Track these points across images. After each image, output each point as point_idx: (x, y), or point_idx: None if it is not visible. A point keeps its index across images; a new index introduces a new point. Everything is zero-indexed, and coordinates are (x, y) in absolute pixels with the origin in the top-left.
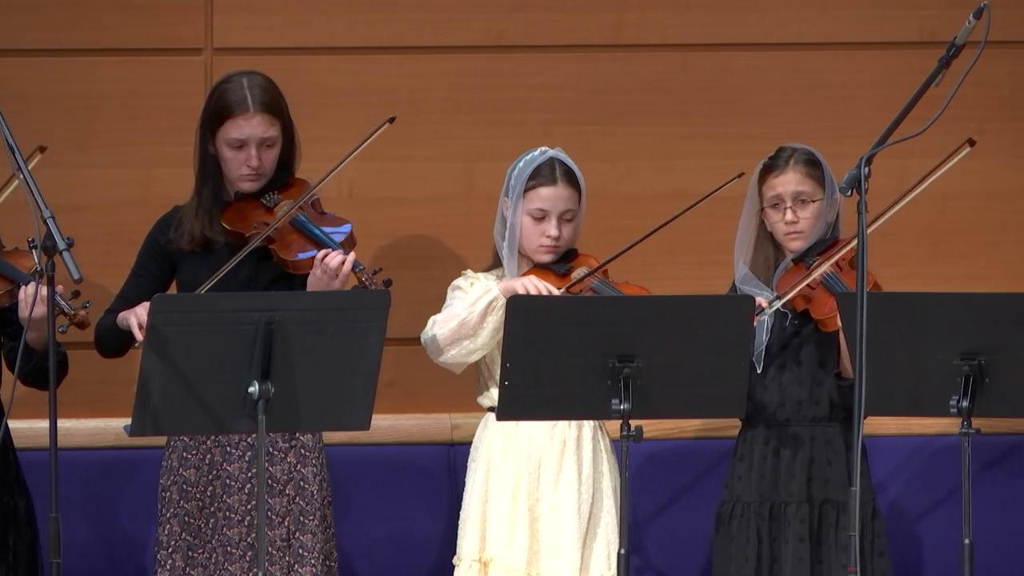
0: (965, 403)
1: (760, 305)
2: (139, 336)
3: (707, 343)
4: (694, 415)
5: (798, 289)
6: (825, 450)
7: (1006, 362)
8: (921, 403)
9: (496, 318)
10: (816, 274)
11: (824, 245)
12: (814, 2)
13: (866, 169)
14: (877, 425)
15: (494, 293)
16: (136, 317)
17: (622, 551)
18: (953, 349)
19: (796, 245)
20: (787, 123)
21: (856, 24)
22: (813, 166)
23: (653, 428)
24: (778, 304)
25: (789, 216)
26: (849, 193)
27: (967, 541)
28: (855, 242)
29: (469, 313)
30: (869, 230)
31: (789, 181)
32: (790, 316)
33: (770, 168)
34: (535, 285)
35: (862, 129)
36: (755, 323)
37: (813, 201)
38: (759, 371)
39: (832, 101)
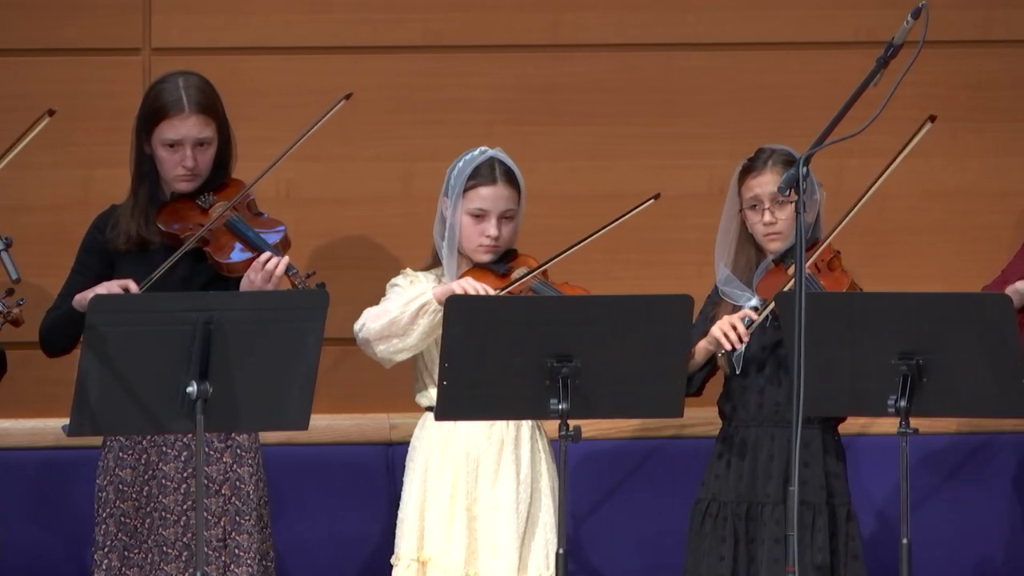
0: (903, 403)
1: (751, 317)
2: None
3: (645, 343)
4: (632, 415)
5: (775, 293)
6: (803, 452)
7: (944, 362)
8: (861, 403)
9: (427, 321)
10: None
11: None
12: (752, 2)
13: (804, 169)
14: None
15: (427, 297)
16: (106, 289)
17: (560, 551)
18: (891, 349)
19: (775, 246)
20: (727, 123)
21: (794, 24)
22: (791, 166)
23: (591, 428)
24: (766, 311)
25: (768, 217)
26: (788, 193)
27: (904, 541)
28: (827, 241)
29: (400, 313)
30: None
31: (767, 182)
32: (769, 318)
33: (749, 169)
34: (472, 286)
35: (802, 129)
36: (746, 339)
37: (791, 202)
38: (738, 372)
39: (771, 101)
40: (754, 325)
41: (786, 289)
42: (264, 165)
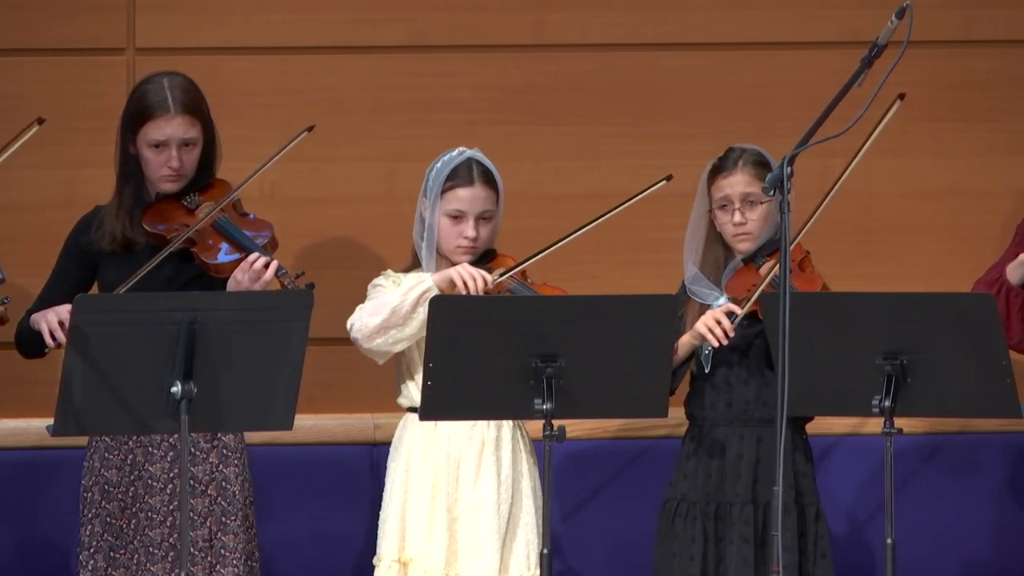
0: (887, 403)
1: (734, 312)
2: (49, 342)
3: (629, 343)
4: (616, 415)
5: (756, 295)
6: (772, 451)
7: (928, 362)
8: (844, 403)
9: (427, 309)
10: (769, 276)
11: (773, 246)
12: (736, 2)
13: (788, 169)
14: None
15: (428, 284)
16: (47, 323)
17: (544, 551)
18: (875, 349)
19: (745, 246)
20: (710, 123)
21: (778, 24)
22: (762, 167)
23: (574, 427)
24: (742, 315)
25: (737, 217)
26: (772, 193)
27: (889, 541)
28: (798, 238)
29: (401, 302)
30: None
31: (737, 182)
32: (738, 317)
33: (719, 169)
34: (470, 273)
35: (785, 129)
36: (732, 334)
37: (761, 202)
38: (707, 371)
39: (755, 101)
40: (737, 320)
41: (760, 289)
42: (247, 165)
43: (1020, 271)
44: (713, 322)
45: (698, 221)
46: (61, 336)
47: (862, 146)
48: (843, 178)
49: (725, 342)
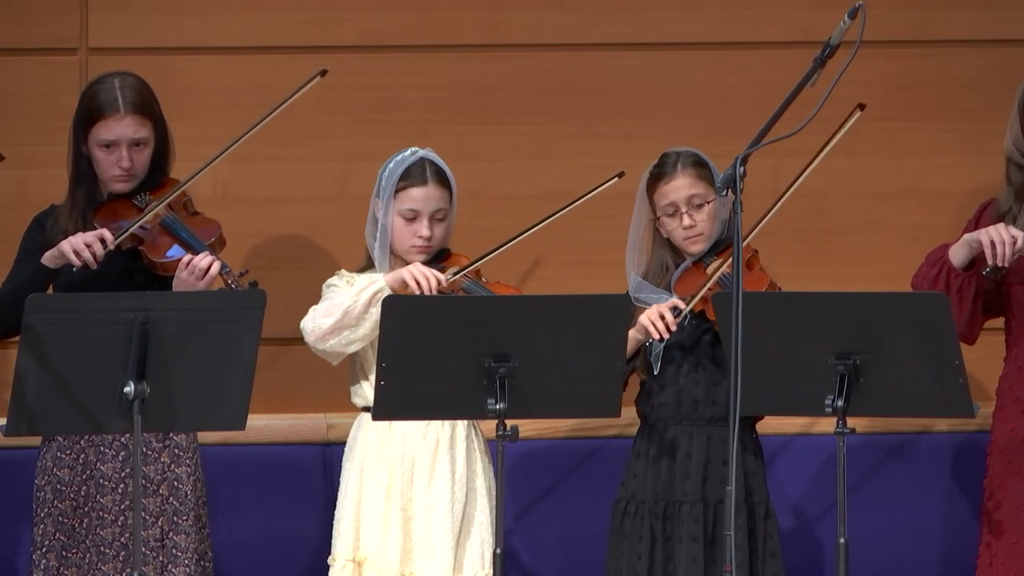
0: (840, 403)
1: (679, 307)
2: (76, 262)
3: (582, 343)
4: (569, 415)
5: (701, 294)
6: (722, 450)
7: (881, 362)
8: (797, 403)
9: (379, 310)
10: (716, 274)
11: (722, 246)
12: (688, 2)
13: (741, 169)
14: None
15: (380, 284)
16: (70, 244)
17: (497, 550)
18: (828, 349)
19: (697, 248)
20: (664, 123)
21: (731, 24)
22: (701, 167)
23: (527, 427)
24: (687, 311)
25: (687, 221)
26: (725, 193)
27: (842, 540)
28: (749, 236)
29: (354, 302)
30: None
31: (681, 186)
32: (688, 317)
33: (659, 176)
34: (422, 272)
35: (738, 129)
36: (674, 328)
37: (707, 202)
38: (656, 371)
39: (708, 101)
40: (683, 314)
41: (707, 287)
42: (201, 165)
43: (963, 252)
44: (656, 315)
45: (639, 231)
46: (88, 256)
47: (817, 154)
48: (797, 183)
49: (667, 336)
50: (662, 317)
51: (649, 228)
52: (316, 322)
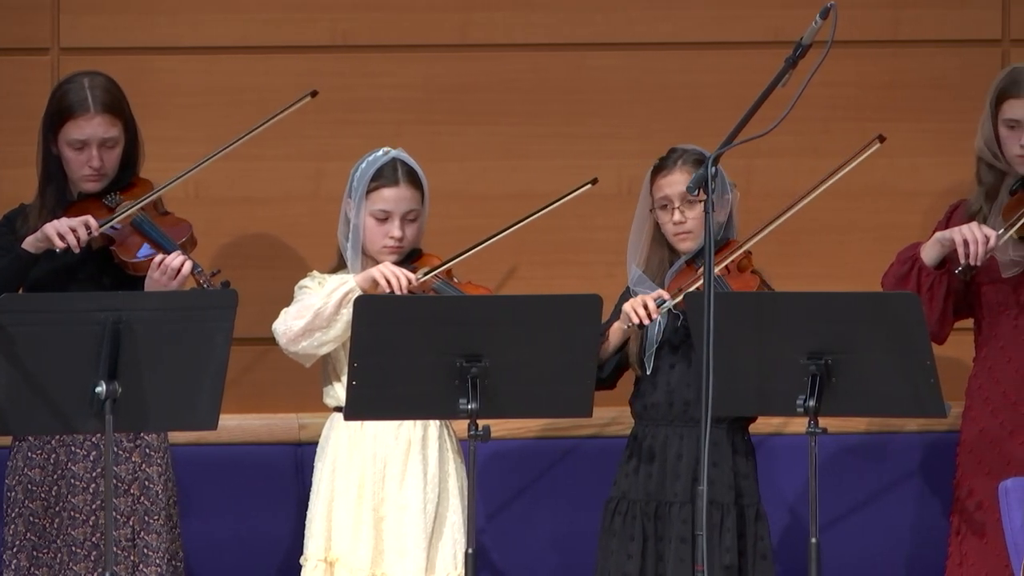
0: (812, 402)
1: (663, 297)
2: (59, 244)
3: (554, 343)
4: (541, 414)
5: (693, 288)
6: (711, 452)
7: (853, 361)
8: (770, 403)
9: (351, 311)
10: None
11: (716, 247)
12: (662, 2)
13: (713, 169)
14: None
15: (350, 285)
16: (54, 227)
17: (469, 550)
18: (800, 349)
19: (686, 245)
20: (636, 123)
21: (703, 24)
22: (701, 166)
23: (499, 427)
24: (671, 304)
25: (677, 216)
26: (696, 193)
27: (814, 540)
28: (747, 245)
29: (324, 304)
30: (772, 227)
31: (676, 182)
32: (681, 318)
33: (659, 169)
34: (392, 272)
35: (711, 129)
36: (656, 315)
37: (701, 201)
38: (648, 372)
39: (681, 101)
40: (666, 305)
41: (692, 289)
42: (174, 164)
43: (935, 250)
44: (639, 303)
45: (642, 222)
46: (73, 240)
47: (827, 178)
48: (802, 204)
49: (648, 322)
50: (645, 306)
51: (650, 220)
52: (288, 324)
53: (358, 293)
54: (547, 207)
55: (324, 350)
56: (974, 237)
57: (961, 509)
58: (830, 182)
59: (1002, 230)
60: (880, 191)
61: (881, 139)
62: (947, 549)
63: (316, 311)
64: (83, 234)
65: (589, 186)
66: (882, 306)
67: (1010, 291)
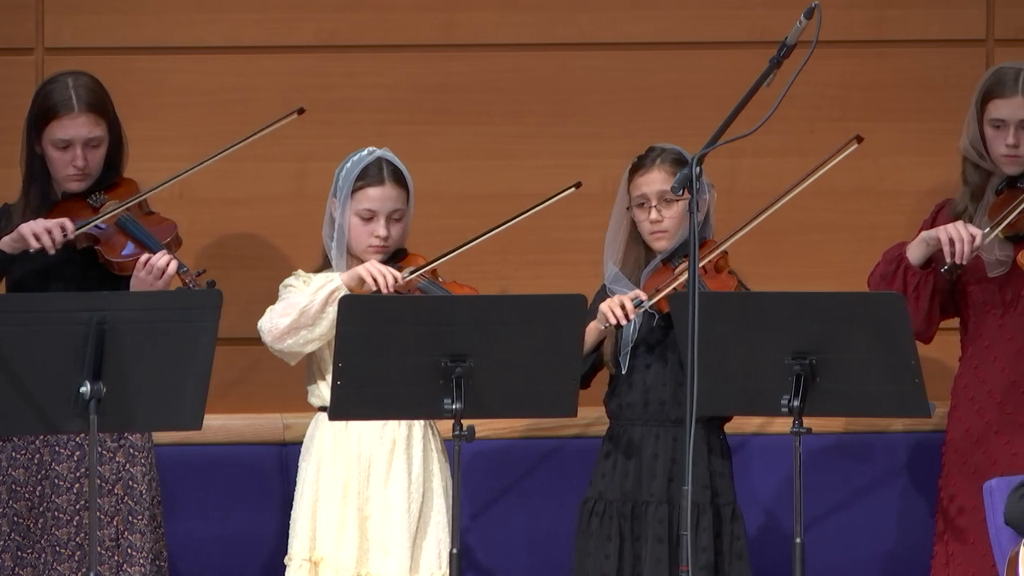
0: (796, 402)
1: (640, 298)
2: (34, 244)
3: (538, 343)
4: (526, 414)
5: (665, 292)
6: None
7: (837, 361)
8: (755, 403)
9: (336, 309)
10: (683, 277)
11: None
12: (645, 2)
13: (697, 169)
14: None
15: (337, 283)
16: (30, 228)
17: (454, 550)
18: (784, 349)
19: (661, 244)
20: (621, 123)
21: (688, 24)
22: (679, 165)
23: (483, 427)
24: (647, 304)
25: (654, 215)
26: (680, 192)
27: (798, 540)
28: (724, 245)
29: (310, 302)
30: (748, 227)
31: (654, 180)
32: (657, 318)
33: (638, 167)
34: (379, 270)
35: (695, 129)
36: (633, 316)
37: (678, 200)
38: (624, 371)
39: (664, 101)
40: (643, 306)
41: (673, 286)
42: (158, 164)
43: (920, 249)
44: (616, 303)
45: (619, 221)
46: (48, 241)
47: (803, 179)
48: (778, 204)
49: (624, 323)
50: (622, 306)
51: (627, 219)
52: (273, 322)
53: (344, 291)
54: (530, 210)
55: (309, 348)
56: (960, 236)
57: (946, 509)
58: (807, 182)
59: (987, 229)
60: (864, 191)
61: (859, 139)
62: (932, 549)
63: (302, 309)
64: (58, 236)
65: (573, 189)
66: (867, 306)
67: (996, 290)
